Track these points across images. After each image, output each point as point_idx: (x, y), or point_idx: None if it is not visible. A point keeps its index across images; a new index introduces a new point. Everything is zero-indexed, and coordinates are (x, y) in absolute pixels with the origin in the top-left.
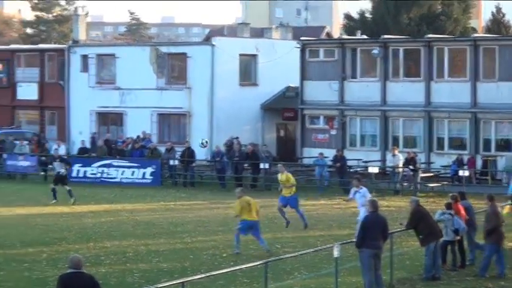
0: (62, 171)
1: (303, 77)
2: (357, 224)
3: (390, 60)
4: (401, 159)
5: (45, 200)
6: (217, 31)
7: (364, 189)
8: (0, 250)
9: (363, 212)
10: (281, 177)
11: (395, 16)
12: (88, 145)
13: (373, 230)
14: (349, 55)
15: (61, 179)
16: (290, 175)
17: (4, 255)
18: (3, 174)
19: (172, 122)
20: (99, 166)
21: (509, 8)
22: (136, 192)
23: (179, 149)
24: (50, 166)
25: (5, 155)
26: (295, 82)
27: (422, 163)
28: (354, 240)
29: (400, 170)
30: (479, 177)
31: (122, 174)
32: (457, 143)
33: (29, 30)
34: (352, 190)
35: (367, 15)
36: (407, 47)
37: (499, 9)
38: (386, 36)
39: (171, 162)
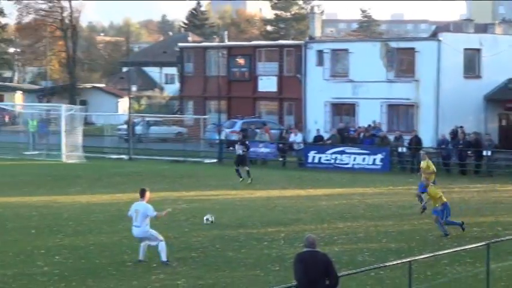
0: (240, 152)
1: None
2: None
3: None
4: None
5: (284, 184)
6: (443, 27)
7: None
8: (243, 229)
9: None
10: (422, 164)
11: None
12: (323, 133)
13: None
14: None
15: (241, 160)
16: (431, 162)
17: (246, 234)
18: None
19: (400, 112)
20: (333, 153)
21: None
22: (366, 178)
23: (407, 137)
24: (231, 148)
25: (247, 142)
26: None
27: None
28: None
29: None
30: None
31: (353, 160)
32: None
33: (269, 28)
34: None
35: None
36: None
37: None
38: None
39: (400, 149)
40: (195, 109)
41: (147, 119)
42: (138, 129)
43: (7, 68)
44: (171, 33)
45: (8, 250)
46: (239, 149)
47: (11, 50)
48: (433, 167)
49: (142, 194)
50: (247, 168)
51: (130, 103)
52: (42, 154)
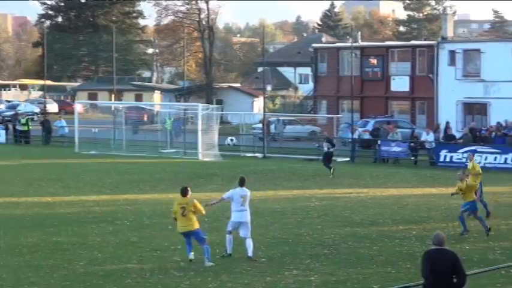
0: (325, 149)
1: None
2: None
3: None
4: None
5: (416, 182)
6: None
7: None
8: (374, 227)
9: None
10: (469, 165)
11: None
12: (455, 133)
13: None
14: None
15: (326, 157)
16: (477, 164)
17: (377, 232)
18: (377, 159)
19: None
20: (464, 152)
21: None
22: (498, 176)
23: None
24: (318, 146)
25: (379, 141)
26: None
27: None
28: None
29: None
30: None
31: (485, 159)
32: None
33: (401, 28)
34: None
35: None
36: None
37: None
38: None
39: None
40: (328, 108)
41: (282, 118)
42: (273, 128)
43: (146, 69)
44: (305, 34)
45: (145, 246)
46: (325, 146)
47: (150, 50)
48: (478, 169)
49: (243, 182)
50: (330, 165)
51: (265, 102)
52: (179, 152)
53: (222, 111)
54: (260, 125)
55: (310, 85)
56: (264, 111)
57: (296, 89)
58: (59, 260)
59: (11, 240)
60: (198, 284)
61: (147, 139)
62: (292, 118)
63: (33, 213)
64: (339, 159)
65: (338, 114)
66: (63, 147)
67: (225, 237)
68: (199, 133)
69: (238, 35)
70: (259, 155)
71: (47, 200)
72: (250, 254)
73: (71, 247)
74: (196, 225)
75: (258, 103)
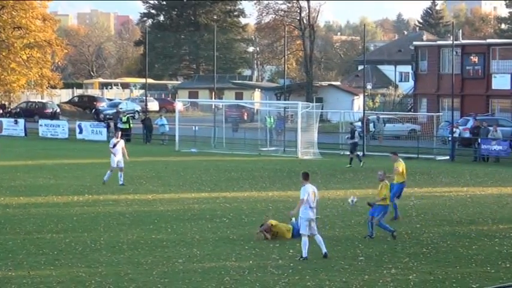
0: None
1: None
2: None
3: None
4: None
5: None
6: None
7: None
8: (474, 226)
9: None
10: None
11: None
12: None
13: None
14: None
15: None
16: (400, 163)
17: (477, 231)
18: (477, 157)
19: None
20: None
21: None
22: None
23: None
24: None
25: (479, 140)
26: None
27: None
28: None
29: None
30: None
31: None
32: None
33: (503, 26)
34: None
35: None
36: None
37: None
38: None
39: None
40: (428, 106)
41: (382, 116)
42: (372, 126)
43: (247, 67)
44: (405, 32)
45: (243, 243)
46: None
47: (251, 49)
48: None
49: (308, 177)
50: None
51: (365, 101)
52: (278, 150)
53: (322, 109)
54: (360, 123)
55: (411, 83)
56: (364, 110)
57: (396, 87)
58: (158, 257)
59: (111, 238)
60: (296, 282)
61: (246, 137)
62: (392, 116)
63: (133, 211)
64: (438, 158)
65: (438, 113)
66: (163, 145)
67: (302, 239)
68: (299, 131)
69: (339, 33)
70: (359, 153)
71: (146, 198)
72: (325, 250)
73: (170, 244)
74: None
75: (358, 101)
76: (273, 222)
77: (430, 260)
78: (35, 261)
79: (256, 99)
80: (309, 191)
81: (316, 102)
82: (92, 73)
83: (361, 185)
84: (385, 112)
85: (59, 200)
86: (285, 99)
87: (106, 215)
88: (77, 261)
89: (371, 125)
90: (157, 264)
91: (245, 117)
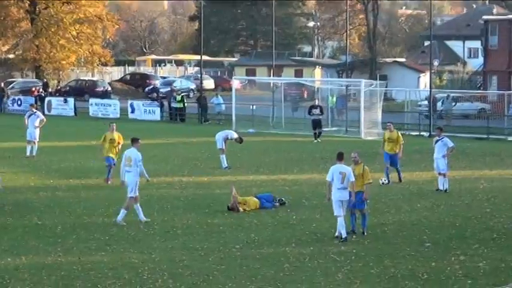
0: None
1: None
2: None
3: None
4: None
5: None
6: None
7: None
8: None
9: None
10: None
11: None
12: None
13: None
14: None
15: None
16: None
17: None
18: None
19: None
20: None
21: None
22: None
23: None
24: None
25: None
26: None
27: None
28: None
29: None
30: None
31: None
32: None
33: None
34: None
35: None
36: None
37: None
38: None
39: None
40: (499, 84)
41: (452, 94)
42: (440, 105)
43: (307, 43)
44: (474, 5)
45: (304, 228)
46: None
47: (311, 24)
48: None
49: (341, 157)
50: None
51: (431, 78)
52: (340, 130)
53: (386, 87)
54: (426, 102)
55: (480, 59)
56: (431, 88)
57: (465, 63)
58: (214, 243)
59: (165, 222)
60: (359, 269)
61: (307, 117)
62: (461, 95)
63: (188, 194)
64: (510, 138)
65: (509, 91)
66: (219, 125)
67: (338, 220)
68: (362, 110)
69: (404, 7)
70: (426, 134)
71: (202, 180)
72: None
73: (227, 229)
74: None
75: (424, 79)
76: (240, 199)
77: (501, 246)
78: (85, 246)
79: (316, 77)
80: (335, 172)
81: (380, 80)
82: (144, 50)
83: (427, 167)
84: (452, 90)
85: (111, 183)
86: (347, 77)
87: (159, 198)
88: (129, 247)
89: (438, 103)
90: (213, 250)
91: (305, 96)
